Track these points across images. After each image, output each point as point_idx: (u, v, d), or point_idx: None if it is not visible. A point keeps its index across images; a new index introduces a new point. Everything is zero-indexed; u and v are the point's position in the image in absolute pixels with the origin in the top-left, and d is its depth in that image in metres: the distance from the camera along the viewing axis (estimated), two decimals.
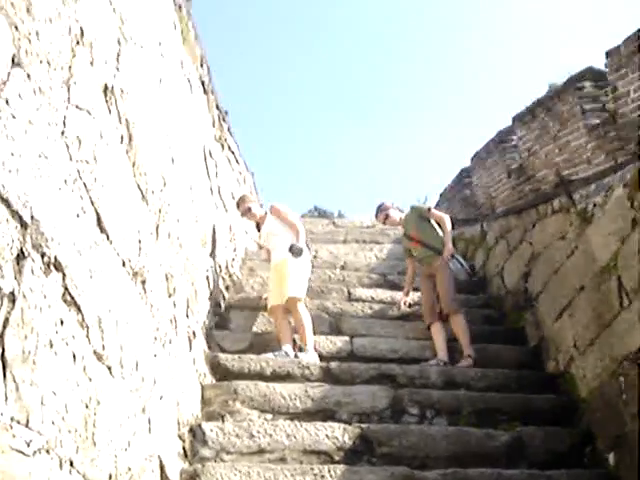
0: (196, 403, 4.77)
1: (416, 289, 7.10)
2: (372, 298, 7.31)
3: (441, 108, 40.66)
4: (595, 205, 5.18)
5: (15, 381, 1.60)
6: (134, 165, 2.95)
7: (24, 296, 1.69)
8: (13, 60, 1.71)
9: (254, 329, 6.35)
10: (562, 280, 5.69)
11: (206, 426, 4.65)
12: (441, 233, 6.72)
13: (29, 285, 1.73)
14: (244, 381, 5.31)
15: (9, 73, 1.68)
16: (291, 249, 6.28)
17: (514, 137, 10.31)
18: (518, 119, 9.76)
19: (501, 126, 10.66)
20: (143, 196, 3.09)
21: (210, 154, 6.39)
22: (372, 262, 8.62)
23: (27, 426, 1.65)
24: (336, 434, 4.72)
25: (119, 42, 2.80)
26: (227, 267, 7.10)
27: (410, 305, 6.89)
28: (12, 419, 1.58)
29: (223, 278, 6.85)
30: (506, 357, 6.16)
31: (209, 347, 5.64)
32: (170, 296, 3.76)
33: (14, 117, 1.68)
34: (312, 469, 4.26)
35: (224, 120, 7.21)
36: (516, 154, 10.15)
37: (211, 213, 6.40)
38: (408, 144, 39.66)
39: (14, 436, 1.58)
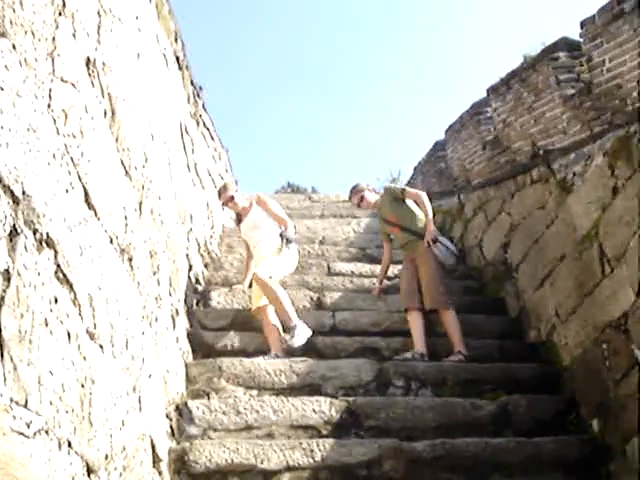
0: (181, 381, 4.75)
1: (395, 263, 7.07)
2: (352, 272, 7.30)
3: (414, 82, 40.68)
4: (575, 174, 5.19)
5: (13, 361, 1.55)
6: (117, 140, 2.88)
7: (18, 274, 1.63)
8: None
9: (235, 306, 6.30)
10: (542, 250, 5.72)
11: (192, 404, 4.63)
12: (420, 214, 6.26)
13: (23, 262, 1.67)
14: (228, 358, 5.29)
15: None
16: (282, 235, 6.07)
17: (488, 109, 10.31)
18: (492, 90, 9.74)
19: (475, 98, 10.61)
20: (126, 172, 3.03)
21: (186, 130, 6.31)
22: (350, 236, 8.61)
23: (26, 407, 1.61)
24: (323, 408, 4.73)
25: (99, 14, 2.72)
26: (205, 244, 7.05)
27: (381, 290, 6.55)
28: (11, 400, 1.53)
29: (202, 255, 6.80)
30: (487, 327, 6.20)
31: (191, 325, 5.60)
32: (155, 274, 3.71)
33: (2, 89, 1.62)
34: (301, 444, 4.27)
35: (199, 96, 7.12)
36: (491, 126, 10.15)
37: (189, 190, 6.32)
38: (381, 121, 39.70)
39: (14, 417, 1.53)
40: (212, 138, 8.19)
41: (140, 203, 3.35)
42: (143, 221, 3.41)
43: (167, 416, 4.13)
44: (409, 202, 6.34)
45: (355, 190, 6.66)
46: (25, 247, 1.69)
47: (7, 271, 1.57)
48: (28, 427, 1.60)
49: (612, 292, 4.45)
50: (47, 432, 1.71)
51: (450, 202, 8.87)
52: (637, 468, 3.96)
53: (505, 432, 4.70)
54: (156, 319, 3.60)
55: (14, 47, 1.74)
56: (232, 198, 6.39)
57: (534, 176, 6.09)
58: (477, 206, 7.72)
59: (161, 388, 3.79)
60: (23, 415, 1.59)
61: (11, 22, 1.72)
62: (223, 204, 6.63)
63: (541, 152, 7.64)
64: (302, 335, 5.53)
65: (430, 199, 11.34)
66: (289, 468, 4.15)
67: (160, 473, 3.57)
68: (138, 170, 3.28)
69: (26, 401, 1.61)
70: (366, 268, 7.37)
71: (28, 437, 1.60)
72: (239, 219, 6.57)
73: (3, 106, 1.62)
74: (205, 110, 7.56)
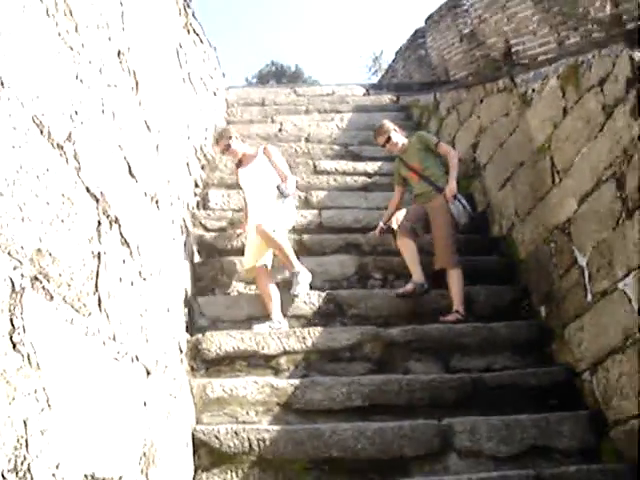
0: (189, 280, 5.48)
1: None
2: (336, 170, 7.87)
3: None
4: (534, 90, 5.77)
5: (106, 312, 2.28)
6: (140, 104, 3.49)
7: (104, 252, 2.33)
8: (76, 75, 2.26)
9: (232, 206, 6.93)
10: (506, 154, 6.35)
11: (201, 300, 5.41)
12: (443, 169, 6.19)
13: (105, 243, 2.37)
14: (229, 257, 6.02)
15: (73, 87, 2.23)
16: (278, 187, 5.95)
17: (466, 2, 10.70)
18: None
19: None
20: (148, 128, 3.65)
21: (180, 45, 6.77)
22: (334, 133, 9.10)
23: (114, 340, 2.36)
24: (312, 300, 5.51)
25: (121, 3, 3.25)
26: (201, 148, 7.63)
27: (383, 230, 6.36)
28: (109, 338, 2.28)
29: (199, 159, 7.39)
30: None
31: (193, 226, 6.27)
32: (170, 197, 4.40)
33: (82, 123, 2.25)
34: (295, 332, 5.03)
35: (189, 6, 7.52)
36: (468, 19, 10.58)
37: (185, 100, 6.86)
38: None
39: (112, 349, 2.30)
40: (201, 42, 8.61)
41: (157, 145, 3.99)
42: (160, 158, 4.06)
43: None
44: (437, 155, 6.27)
45: (382, 130, 6.46)
46: (105, 232, 2.38)
47: (99, 253, 2.28)
48: (118, 353, 2.36)
49: (559, 200, 5.14)
50: (127, 353, 2.48)
51: (427, 98, 9.41)
52: (571, 349, 4.82)
53: (467, 318, 5.42)
54: (173, 239, 4.33)
55: (81, 81, 2.36)
56: (228, 147, 6.46)
57: (500, 85, 6.65)
58: (451, 106, 8.27)
59: (180, 292, 4.57)
60: (114, 346, 2.34)
61: (80, 63, 2.33)
62: (222, 153, 6.71)
63: (508, 58, 8.19)
64: (303, 283, 5.58)
65: (409, 89, 11.81)
66: (285, 352, 4.93)
67: (181, 361, 4.38)
68: (156, 121, 3.91)
69: (114, 336, 2.36)
70: (349, 166, 7.96)
71: (118, 360, 2.36)
72: (240, 163, 6.54)
73: (86, 137, 2.26)
74: (195, 18, 7.97)
